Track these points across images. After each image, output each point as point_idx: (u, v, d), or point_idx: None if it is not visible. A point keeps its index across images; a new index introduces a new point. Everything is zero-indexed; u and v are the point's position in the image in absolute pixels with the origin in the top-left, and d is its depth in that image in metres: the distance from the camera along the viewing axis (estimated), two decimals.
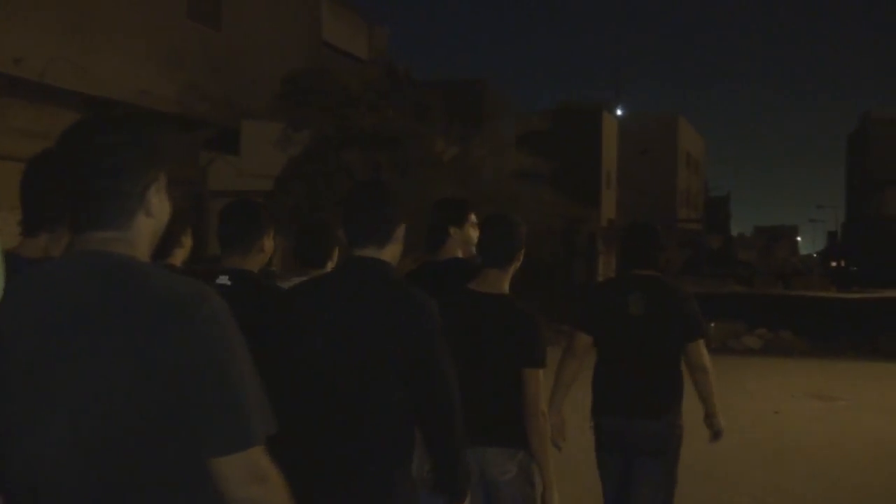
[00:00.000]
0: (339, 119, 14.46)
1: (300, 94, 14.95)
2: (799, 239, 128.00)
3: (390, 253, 2.57)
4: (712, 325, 14.83)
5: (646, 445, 3.87)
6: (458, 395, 2.45)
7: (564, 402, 4.00)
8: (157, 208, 1.64)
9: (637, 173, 59.04)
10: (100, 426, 1.47)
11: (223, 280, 2.88)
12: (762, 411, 9.42)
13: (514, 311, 3.21)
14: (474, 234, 3.70)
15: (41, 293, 1.57)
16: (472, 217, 3.80)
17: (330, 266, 3.73)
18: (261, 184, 14.89)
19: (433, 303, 2.49)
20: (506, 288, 3.30)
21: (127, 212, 1.59)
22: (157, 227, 1.67)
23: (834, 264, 65.66)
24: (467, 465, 2.59)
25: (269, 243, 3.10)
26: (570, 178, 43.79)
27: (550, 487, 3.20)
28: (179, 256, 3.49)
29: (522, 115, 16.45)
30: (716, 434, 4.11)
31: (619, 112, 62.40)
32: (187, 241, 3.51)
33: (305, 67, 15.22)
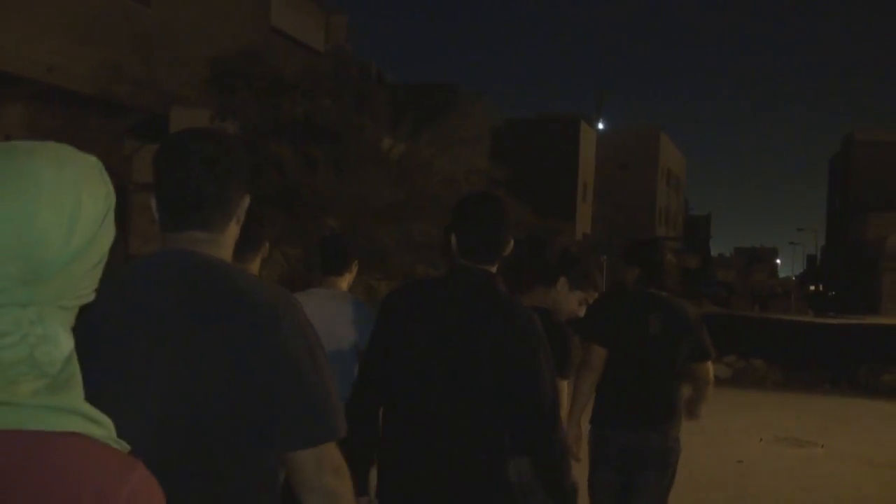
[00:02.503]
0: (269, 108, 12.94)
1: (228, 78, 13.43)
2: (779, 261, 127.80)
3: (497, 266, 2.64)
4: None
5: (649, 459, 3.99)
6: (555, 407, 2.54)
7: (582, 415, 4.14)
8: (241, 218, 1.81)
9: (616, 188, 57.91)
10: (184, 413, 1.60)
11: None
12: (723, 459, 7.96)
13: (550, 324, 3.15)
14: None
15: (139, 285, 1.68)
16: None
17: (348, 276, 3.99)
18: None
19: (536, 318, 2.55)
20: (547, 303, 3.45)
21: (226, 217, 1.76)
22: (237, 234, 1.83)
23: (812, 288, 64.88)
24: (575, 484, 2.63)
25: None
26: (544, 190, 42.57)
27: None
28: None
29: (480, 113, 14.59)
30: (695, 408, 4.28)
31: (600, 126, 61.35)
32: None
33: (236, 49, 13.69)
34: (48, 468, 0.93)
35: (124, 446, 1.03)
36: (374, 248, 13.04)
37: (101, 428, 1.01)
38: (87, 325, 1.41)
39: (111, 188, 1.08)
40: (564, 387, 3.30)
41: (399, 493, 2.57)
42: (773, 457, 8.50)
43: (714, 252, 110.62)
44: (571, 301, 3.68)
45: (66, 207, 0.98)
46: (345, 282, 4.06)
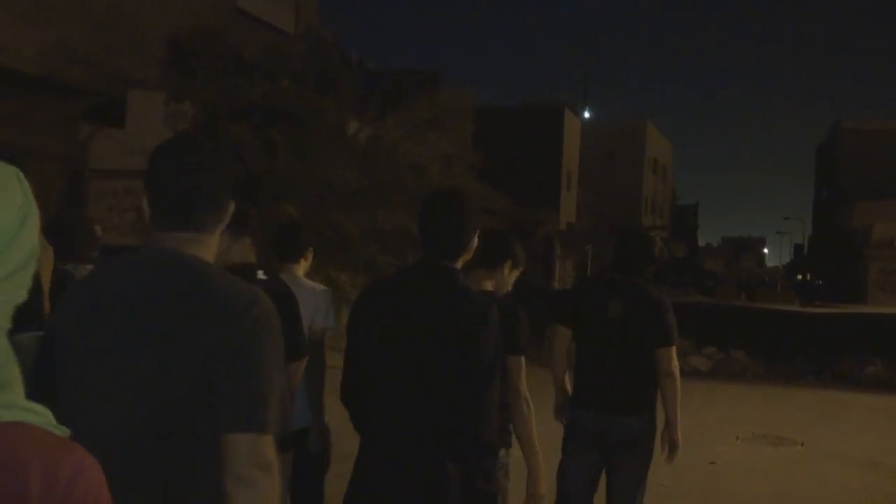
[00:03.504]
0: (226, 89, 12.31)
1: (186, 59, 12.78)
2: (766, 251, 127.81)
3: (461, 261, 2.73)
4: None
5: (621, 442, 4.03)
6: (493, 405, 2.56)
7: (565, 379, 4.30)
8: (227, 221, 1.93)
9: (602, 177, 57.39)
10: (151, 401, 1.72)
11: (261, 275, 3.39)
12: (694, 461, 7.38)
13: (498, 304, 3.03)
14: None
15: (122, 280, 1.84)
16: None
17: (304, 263, 4.10)
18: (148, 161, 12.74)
19: (495, 310, 2.62)
20: (487, 286, 3.50)
21: (216, 219, 1.88)
22: (220, 240, 1.95)
23: (799, 277, 64.61)
24: (494, 478, 2.65)
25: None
26: (528, 179, 41.97)
27: (538, 477, 3.29)
28: None
29: (449, 96, 14.00)
30: (671, 446, 4.18)
31: (586, 115, 60.82)
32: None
33: (194, 28, 13.03)
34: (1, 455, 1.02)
35: (64, 431, 1.11)
36: (336, 236, 12.47)
37: (40, 417, 1.09)
38: (74, 316, 1.81)
39: (29, 198, 1.12)
40: (521, 362, 3.40)
41: (368, 477, 2.66)
42: (748, 457, 7.96)
43: (702, 241, 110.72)
44: (510, 281, 3.72)
45: None
46: (300, 269, 4.12)
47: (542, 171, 43.31)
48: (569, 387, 4.29)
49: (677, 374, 4.11)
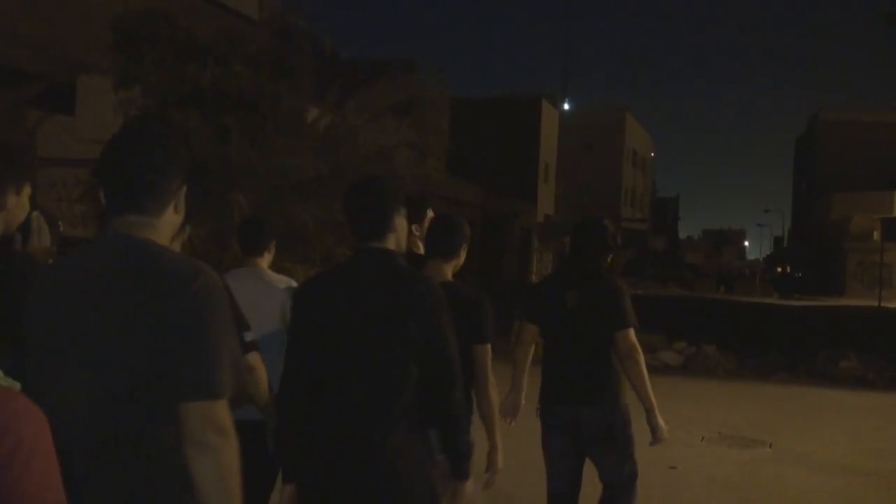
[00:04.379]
0: (175, 73, 11.73)
1: (132, 41, 12.18)
2: (747, 243, 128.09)
3: (392, 242, 2.79)
4: None
5: (592, 433, 4.08)
6: (455, 368, 2.69)
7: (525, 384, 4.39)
8: (181, 207, 2.03)
9: (581, 169, 57.01)
10: (110, 379, 1.80)
11: None
12: (654, 465, 6.88)
13: (458, 294, 3.37)
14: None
15: (78, 269, 1.95)
16: (430, 213, 4.18)
17: (268, 256, 4.18)
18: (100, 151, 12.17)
19: (438, 286, 2.75)
20: (448, 276, 3.59)
21: (162, 203, 1.96)
22: (178, 222, 2.04)
23: (779, 270, 64.55)
24: (469, 442, 2.80)
25: None
26: (504, 170, 41.49)
27: (496, 449, 3.51)
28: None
29: (411, 81, 13.48)
30: (654, 432, 4.13)
31: (565, 107, 60.40)
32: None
33: (142, 9, 12.42)
34: None
35: (12, 384, 1.27)
36: (291, 227, 11.94)
37: None
38: (35, 305, 1.97)
39: None
40: (487, 350, 3.52)
41: (312, 470, 2.70)
42: (712, 460, 7.53)
43: (682, 234, 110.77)
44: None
45: None
46: (265, 261, 4.17)
47: (519, 162, 42.86)
48: (523, 385, 4.41)
49: (639, 356, 4.07)
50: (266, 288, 3.99)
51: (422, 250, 3.93)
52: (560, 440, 4.18)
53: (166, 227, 1.98)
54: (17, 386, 1.23)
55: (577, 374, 4.10)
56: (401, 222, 2.85)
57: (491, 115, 42.88)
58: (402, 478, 2.61)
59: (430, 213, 4.13)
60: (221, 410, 1.81)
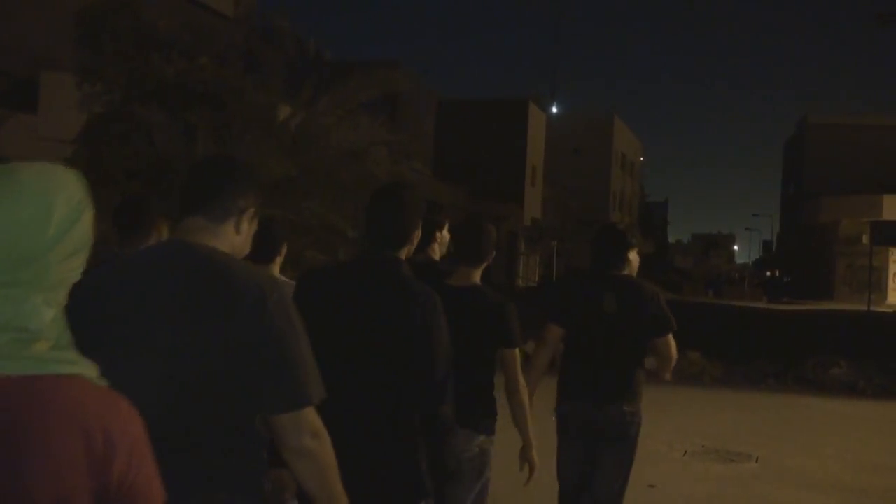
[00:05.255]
0: (138, 68, 11.23)
1: (95, 35, 11.67)
2: (736, 248, 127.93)
3: (405, 252, 2.87)
4: None
5: (611, 431, 4.17)
6: (445, 381, 2.70)
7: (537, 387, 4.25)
8: (245, 231, 2.12)
9: (569, 173, 56.60)
10: (182, 381, 1.86)
11: None
12: (631, 482, 6.42)
13: (487, 299, 3.62)
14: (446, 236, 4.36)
15: (148, 270, 2.01)
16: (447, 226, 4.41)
17: (279, 261, 4.01)
18: (65, 150, 11.67)
19: (437, 296, 2.76)
20: (477, 280, 3.74)
21: (226, 212, 2.07)
22: (238, 245, 2.12)
23: (768, 274, 64.29)
24: (455, 453, 3.16)
25: None
26: (491, 173, 41.02)
27: (531, 446, 3.72)
28: None
29: (385, 78, 12.98)
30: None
31: (553, 110, 60.03)
32: None
33: (105, 2, 11.90)
34: (62, 399, 1.25)
35: (105, 382, 1.33)
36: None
37: (91, 371, 1.32)
38: (103, 303, 1.95)
39: (85, 196, 1.36)
40: (516, 354, 3.63)
41: None
42: (694, 477, 7.05)
43: (672, 238, 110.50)
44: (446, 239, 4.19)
45: (42, 210, 1.28)
46: (276, 266, 4.12)
47: (506, 165, 42.43)
48: (536, 386, 4.32)
49: (675, 352, 4.29)
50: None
51: (437, 255, 4.29)
52: (577, 446, 4.27)
53: (226, 237, 2.06)
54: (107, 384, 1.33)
55: (606, 376, 4.18)
56: (417, 235, 2.92)
57: (478, 117, 42.48)
58: (395, 476, 2.70)
59: (447, 227, 4.36)
60: (313, 416, 1.93)
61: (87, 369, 1.31)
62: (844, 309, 34.13)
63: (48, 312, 1.28)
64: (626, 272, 4.39)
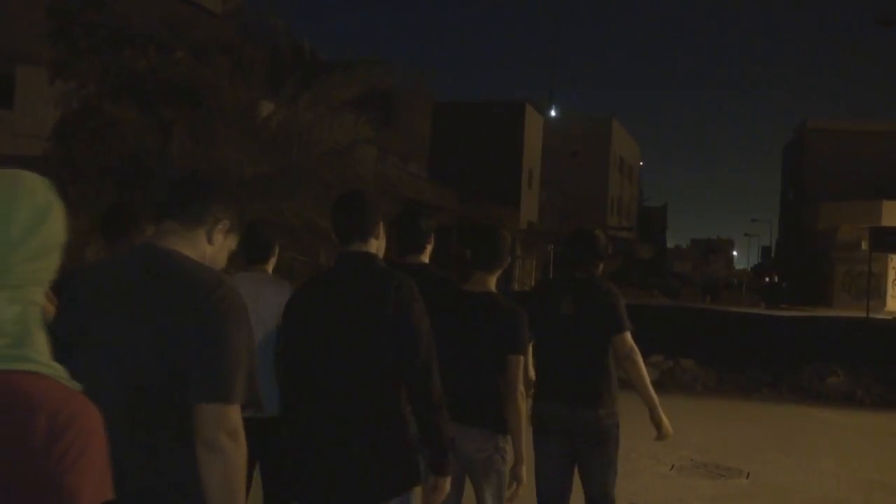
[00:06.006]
0: (111, 62, 10.82)
1: (67, 29, 11.26)
2: (735, 253, 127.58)
3: (374, 246, 3.00)
4: None
5: (587, 435, 4.21)
6: (432, 360, 2.81)
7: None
8: (217, 242, 2.22)
9: (567, 176, 56.21)
10: (132, 372, 1.98)
11: None
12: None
13: (500, 306, 3.75)
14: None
15: (111, 272, 2.18)
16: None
17: (272, 261, 4.33)
18: (40, 146, 11.29)
19: (412, 281, 2.89)
20: (492, 287, 3.88)
21: (197, 218, 2.19)
22: (210, 255, 2.21)
23: (767, 280, 63.88)
24: (450, 436, 2.91)
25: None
26: (487, 176, 40.62)
27: (521, 462, 3.71)
28: None
29: (368, 75, 12.58)
30: (659, 429, 4.35)
31: (552, 113, 59.67)
32: None
33: None
34: (15, 394, 1.28)
35: (75, 385, 1.36)
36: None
37: (54, 370, 1.35)
38: (74, 303, 2.12)
39: (52, 200, 1.40)
40: (520, 361, 3.70)
41: (302, 465, 2.90)
42: (680, 494, 6.65)
43: (670, 243, 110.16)
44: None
45: (4, 214, 1.33)
46: (270, 266, 4.32)
47: (502, 168, 42.05)
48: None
49: (637, 357, 4.24)
50: (270, 292, 4.11)
51: (428, 259, 4.20)
52: (552, 444, 4.27)
53: (197, 244, 2.16)
54: (79, 387, 1.36)
55: (573, 377, 4.22)
56: (379, 231, 3.03)
57: (474, 119, 42.12)
58: (377, 448, 2.79)
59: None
60: (234, 414, 1.95)
61: (46, 368, 1.34)
62: (843, 315, 33.75)
63: (10, 310, 1.33)
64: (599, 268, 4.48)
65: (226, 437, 1.94)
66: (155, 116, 11.11)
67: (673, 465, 7.49)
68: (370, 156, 14.54)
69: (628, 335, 4.25)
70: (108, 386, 1.86)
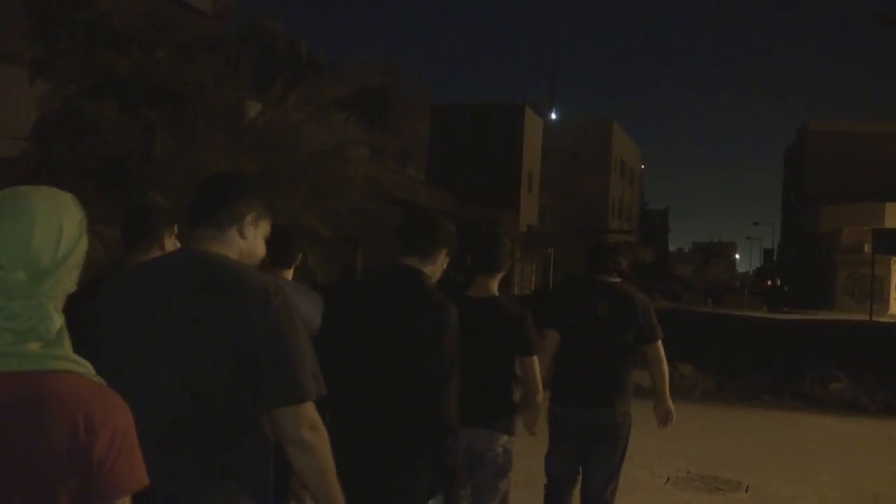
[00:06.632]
0: (88, 61, 10.51)
1: (46, 27, 10.96)
2: (738, 256, 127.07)
3: (429, 268, 3.11)
4: None
5: (603, 433, 4.43)
6: (445, 388, 2.86)
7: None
8: (249, 235, 2.31)
9: (567, 179, 55.88)
10: (189, 377, 2.06)
11: None
12: None
13: (506, 310, 3.87)
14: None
15: (160, 276, 2.23)
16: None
17: (295, 266, 4.31)
18: (18, 147, 10.97)
19: (453, 306, 2.96)
20: (495, 291, 3.97)
21: (230, 220, 2.28)
22: (246, 249, 2.32)
23: (769, 283, 63.52)
24: (457, 456, 2.92)
25: None
26: (486, 179, 40.28)
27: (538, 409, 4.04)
28: None
29: (356, 73, 12.27)
30: (664, 415, 4.75)
31: (553, 116, 59.37)
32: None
33: None
34: (52, 393, 1.42)
35: (101, 381, 1.49)
36: None
37: (83, 367, 1.48)
38: (118, 306, 2.22)
39: (83, 215, 1.56)
40: (535, 361, 3.84)
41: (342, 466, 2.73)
42: None
43: (672, 247, 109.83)
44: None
45: (55, 231, 1.48)
46: (290, 273, 4.38)
47: (501, 171, 41.70)
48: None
49: (664, 361, 4.62)
50: (296, 296, 3.96)
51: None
52: (567, 441, 4.47)
53: (232, 244, 2.26)
54: (104, 383, 1.48)
55: (598, 380, 4.39)
56: (441, 257, 3.15)
57: (473, 122, 41.82)
58: (405, 461, 2.86)
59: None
60: (311, 410, 2.11)
61: (79, 366, 1.47)
62: (845, 319, 33.39)
63: (58, 319, 1.47)
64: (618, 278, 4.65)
65: (309, 432, 2.07)
66: (137, 117, 10.81)
67: (668, 478, 7.16)
68: (363, 157, 14.23)
69: (660, 344, 4.57)
70: (165, 393, 2.06)
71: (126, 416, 1.48)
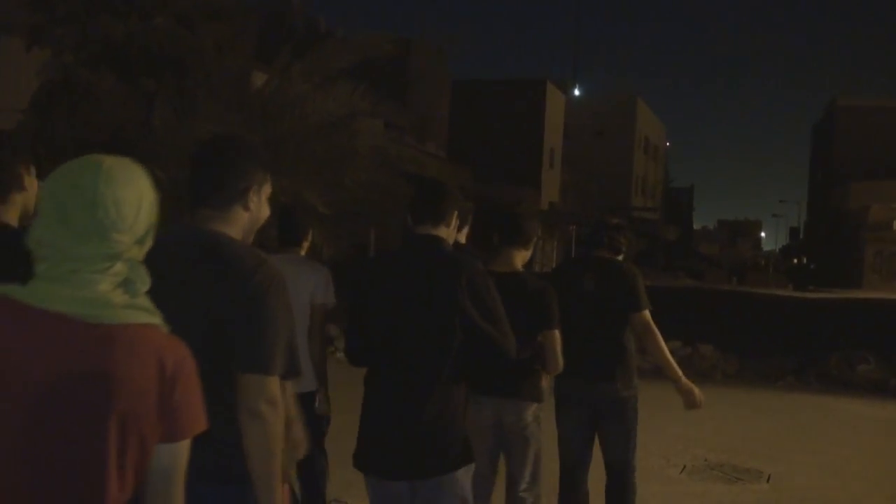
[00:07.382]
0: (85, 29, 10.14)
1: None
2: (763, 234, 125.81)
3: (444, 231, 3.17)
4: None
5: (606, 408, 4.43)
6: (509, 331, 3.06)
7: None
8: (255, 205, 2.34)
9: (591, 156, 55.20)
10: (192, 334, 1.92)
11: None
12: None
13: (525, 284, 3.93)
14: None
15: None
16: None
17: (306, 245, 4.53)
18: (16, 119, 10.66)
19: (477, 262, 3.13)
20: (518, 266, 4.04)
21: (229, 199, 2.30)
22: (252, 219, 2.36)
23: (795, 261, 62.59)
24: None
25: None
26: (507, 155, 39.76)
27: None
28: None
29: (361, 43, 11.84)
30: (687, 396, 4.56)
31: (576, 92, 58.57)
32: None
33: None
34: (145, 341, 1.60)
35: (166, 326, 1.66)
36: None
37: (158, 318, 1.65)
38: None
39: (150, 184, 1.69)
40: (557, 335, 3.90)
41: (372, 435, 3.09)
42: (690, 502, 5.89)
43: (697, 225, 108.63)
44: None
45: (151, 200, 1.67)
46: (303, 249, 4.53)
47: (523, 147, 41.18)
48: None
49: (655, 331, 4.45)
50: (306, 270, 4.37)
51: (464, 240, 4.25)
52: (573, 416, 4.47)
53: (236, 220, 2.30)
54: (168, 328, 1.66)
55: (593, 352, 4.37)
56: (453, 216, 3.20)
57: (495, 98, 41.28)
58: (444, 422, 2.97)
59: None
60: (272, 385, 2.12)
61: (158, 318, 1.65)
62: (873, 297, 32.70)
63: (146, 277, 1.65)
64: (618, 257, 4.60)
65: (266, 405, 2.09)
66: (136, 87, 10.44)
67: (684, 467, 6.74)
68: (376, 131, 13.81)
69: (647, 313, 4.45)
70: None
71: (194, 364, 1.68)
